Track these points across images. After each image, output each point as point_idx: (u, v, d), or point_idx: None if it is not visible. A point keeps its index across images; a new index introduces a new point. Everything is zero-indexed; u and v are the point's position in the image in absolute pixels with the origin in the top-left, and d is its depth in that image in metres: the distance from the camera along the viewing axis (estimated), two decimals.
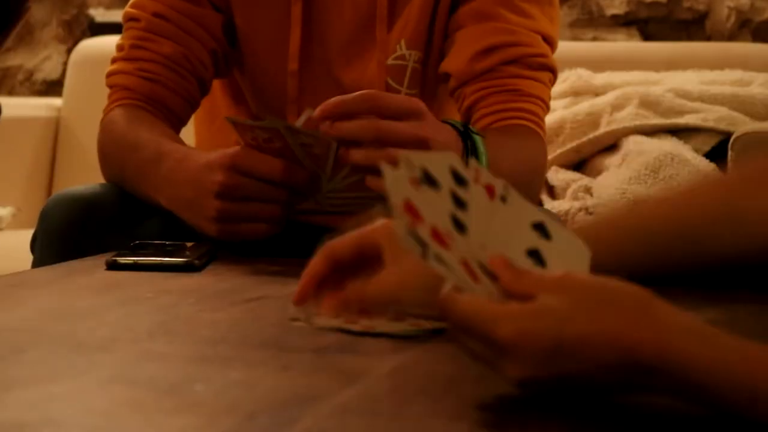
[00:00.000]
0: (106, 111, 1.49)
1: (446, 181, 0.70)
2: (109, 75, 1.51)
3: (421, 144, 1.18)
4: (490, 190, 0.71)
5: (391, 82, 1.48)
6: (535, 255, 0.71)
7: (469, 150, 1.29)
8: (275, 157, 1.22)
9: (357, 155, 1.19)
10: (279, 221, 1.26)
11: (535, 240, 0.71)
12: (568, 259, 0.72)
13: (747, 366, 0.60)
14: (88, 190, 1.38)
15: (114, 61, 1.51)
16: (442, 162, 0.70)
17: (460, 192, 0.70)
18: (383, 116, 1.18)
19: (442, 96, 1.54)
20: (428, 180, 0.69)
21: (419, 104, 1.21)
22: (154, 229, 1.37)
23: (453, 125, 1.30)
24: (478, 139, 1.31)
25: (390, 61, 1.48)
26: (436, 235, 0.67)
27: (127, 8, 1.53)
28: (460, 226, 0.69)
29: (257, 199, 1.23)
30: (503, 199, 0.71)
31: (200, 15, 1.49)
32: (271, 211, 1.24)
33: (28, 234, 1.44)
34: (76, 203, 1.35)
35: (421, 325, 0.88)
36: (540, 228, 0.72)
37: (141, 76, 1.47)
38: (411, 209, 0.67)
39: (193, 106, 1.51)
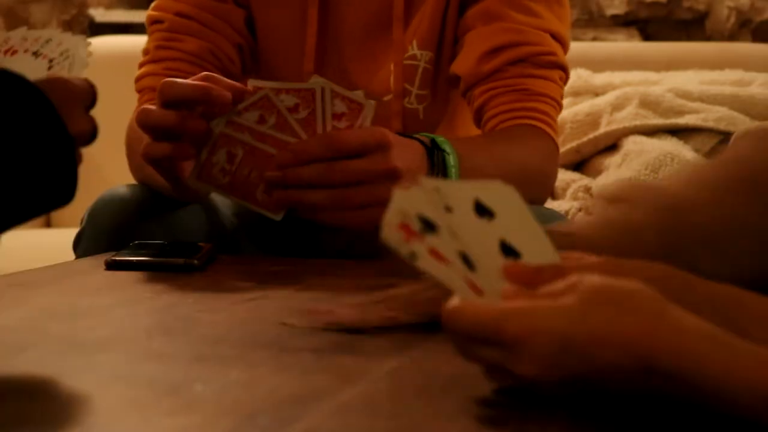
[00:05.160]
0: (134, 112, 1.49)
1: (442, 219, 0.69)
2: (137, 80, 1.51)
3: (389, 175, 1.17)
4: None
5: (402, 82, 1.48)
6: (504, 247, 0.70)
7: (438, 165, 1.28)
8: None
9: (315, 196, 1.17)
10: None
11: (488, 228, 0.70)
12: (513, 227, 0.71)
13: (763, 370, 0.60)
14: (135, 192, 1.37)
15: (141, 65, 1.51)
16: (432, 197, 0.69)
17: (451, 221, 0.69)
18: (344, 156, 1.17)
19: (455, 97, 1.54)
20: (427, 225, 0.68)
21: (382, 135, 1.18)
22: (194, 228, 1.36)
23: (421, 141, 1.28)
24: (448, 153, 1.29)
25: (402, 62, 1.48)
26: (435, 254, 0.67)
27: (150, 11, 1.52)
28: (467, 260, 0.69)
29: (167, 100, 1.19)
30: (448, 209, 0.69)
31: (223, 10, 1.49)
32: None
33: (28, 234, 1.45)
34: (125, 205, 1.34)
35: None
36: (482, 210, 0.71)
37: (168, 75, 1.47)
38: (406, 228, 0.67)
39: None
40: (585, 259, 0.73)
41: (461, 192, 0.70)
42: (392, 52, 1.48)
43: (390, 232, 0.66)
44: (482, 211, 0.70)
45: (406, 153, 1.21)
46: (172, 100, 1.18)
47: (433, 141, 1.29)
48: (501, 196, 0.71)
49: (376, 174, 1.17)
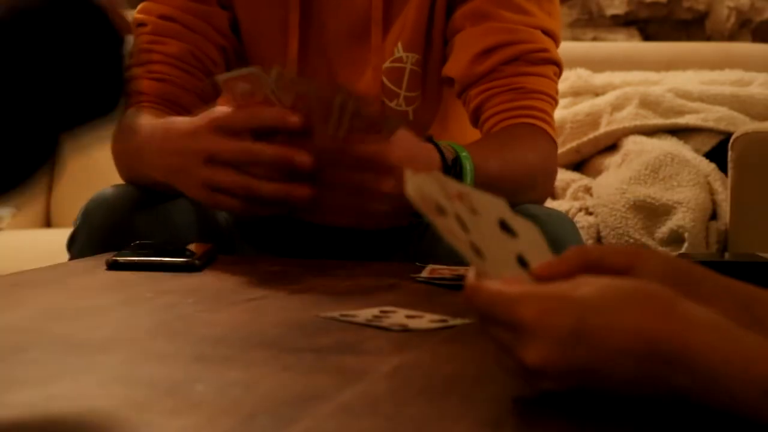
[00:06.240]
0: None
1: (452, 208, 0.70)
2: None
3: (377, 197, 1.20)
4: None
5: (389, 84, 1.48)
6: (521, 261, 0.71)
7: (453, 171, 1.29)
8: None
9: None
10: (257, 199, 1.22)
11: (509, 242, 0.71)
12: (532, 249, 0.72)
13: (764, 363, 0.60)
14: (127, 191, 1.38)
15: None
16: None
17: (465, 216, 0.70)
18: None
19: (447, 97, 1.54)
20: (438, 209, 0.69)
21: (383, 158, 1.19)
22: (188, 225, 1.37)
23: (442, 152, 1.29)
24: (464, 159, 1.30)
25: (387, 65, 1.48)
26: (448, 228, 0.68)
27: (135, 14, 1.53)
28: (474, 246, 0.69)
29: (245, 162, 1.21)
30: (474, 211, 0.71)
31: (207, 13, 1.49)
32: (247, 185, 1.21)
33: (28, 234, 1.45)
34: (118, 203, 1.35)
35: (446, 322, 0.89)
36: (505, 227, 0.72)
37: (151, 78, 1.47)
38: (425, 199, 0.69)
39: (206, 103, 1.51)
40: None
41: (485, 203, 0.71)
42: (372, 57, 1.48)
43: (413, 196, 0.68)
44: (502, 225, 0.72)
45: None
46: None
47: (455, 159, 1.29)
48: (477, 198, 0.73)
49: (364, 190, 1.19)
